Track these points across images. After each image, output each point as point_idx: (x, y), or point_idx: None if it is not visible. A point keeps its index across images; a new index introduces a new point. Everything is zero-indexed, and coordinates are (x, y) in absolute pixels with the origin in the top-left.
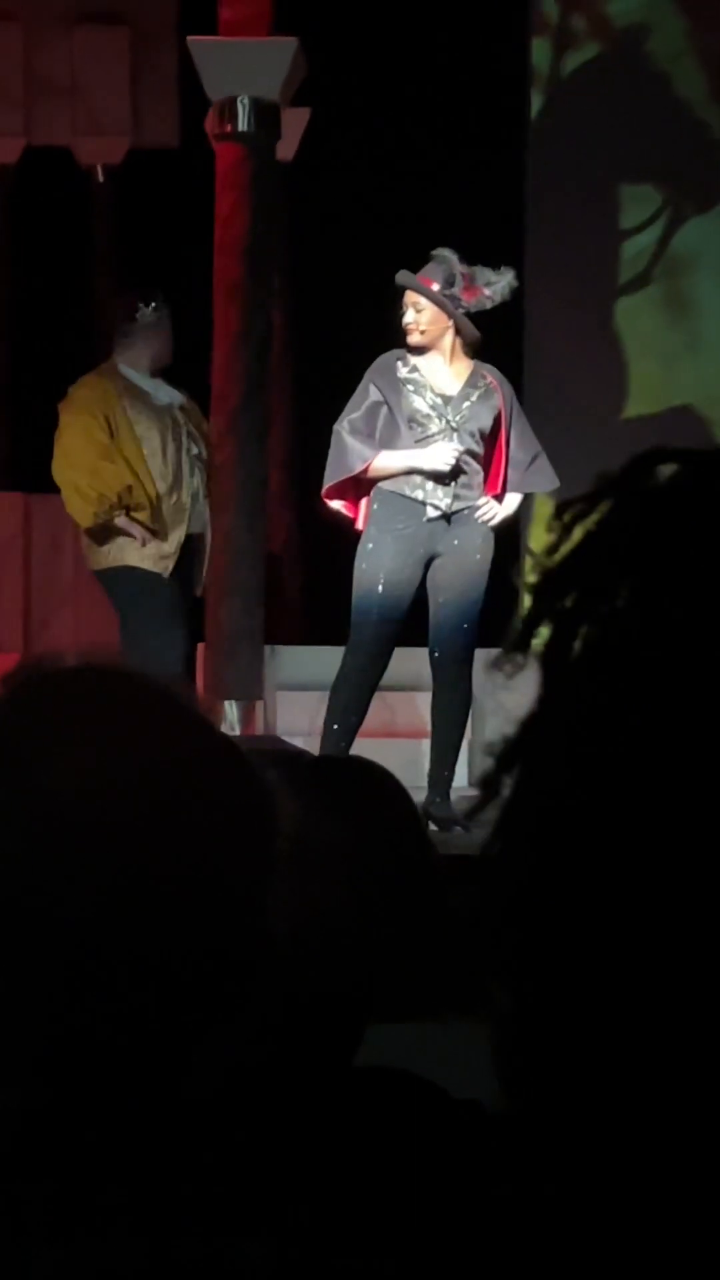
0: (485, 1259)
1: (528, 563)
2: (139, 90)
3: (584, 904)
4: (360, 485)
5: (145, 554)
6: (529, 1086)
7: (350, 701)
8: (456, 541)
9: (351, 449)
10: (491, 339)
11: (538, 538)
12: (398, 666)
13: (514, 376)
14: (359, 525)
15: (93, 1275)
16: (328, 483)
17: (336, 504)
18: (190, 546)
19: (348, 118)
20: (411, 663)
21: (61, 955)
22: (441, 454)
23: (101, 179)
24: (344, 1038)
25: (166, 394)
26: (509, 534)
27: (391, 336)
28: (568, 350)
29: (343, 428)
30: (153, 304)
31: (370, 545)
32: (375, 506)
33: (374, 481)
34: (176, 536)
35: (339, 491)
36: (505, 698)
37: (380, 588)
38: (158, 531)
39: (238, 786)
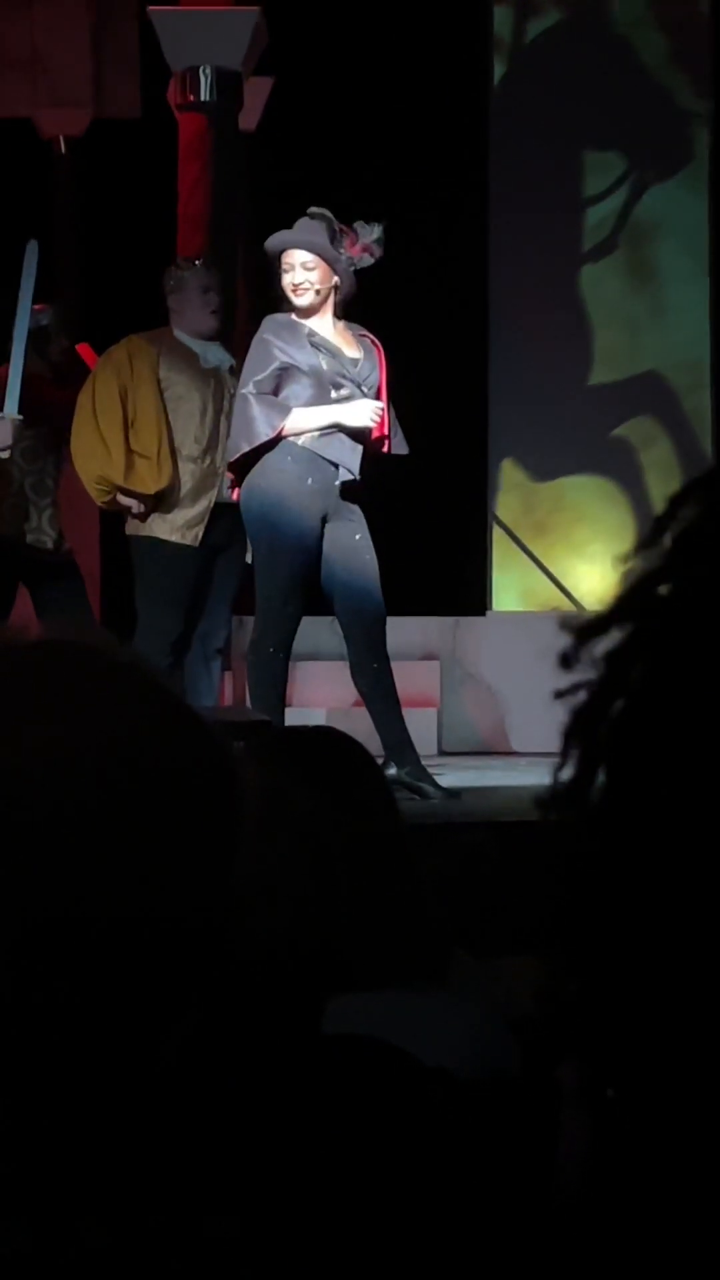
0: (457, 1225)
1: (495, 530)
2: (100, 61)
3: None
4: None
5: (173, 524)
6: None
7: (281, 673)
8: (348, 507)
9: (258, 416)
10: (455, 308)
11: (504, 505)
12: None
13: (479, 345)
14: (236, 495)
15: (58, 1253)
16: (237, 453)
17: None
18: (233, 513)
19: (311, 87)
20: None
21: (25, 929)
22: (364, 409)
23: (64, 150)
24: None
25: (216, 356)
26: (475, 501)
27: (361, 307)
28: (532, 318)
29: (249, 391)
30: (177, 268)
31: (278, 503)
32: (284, 462)
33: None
34: (206, 500)
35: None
36: (471, 665)
37: (295, 550)
38: (169, 494)
39: (201, 758)
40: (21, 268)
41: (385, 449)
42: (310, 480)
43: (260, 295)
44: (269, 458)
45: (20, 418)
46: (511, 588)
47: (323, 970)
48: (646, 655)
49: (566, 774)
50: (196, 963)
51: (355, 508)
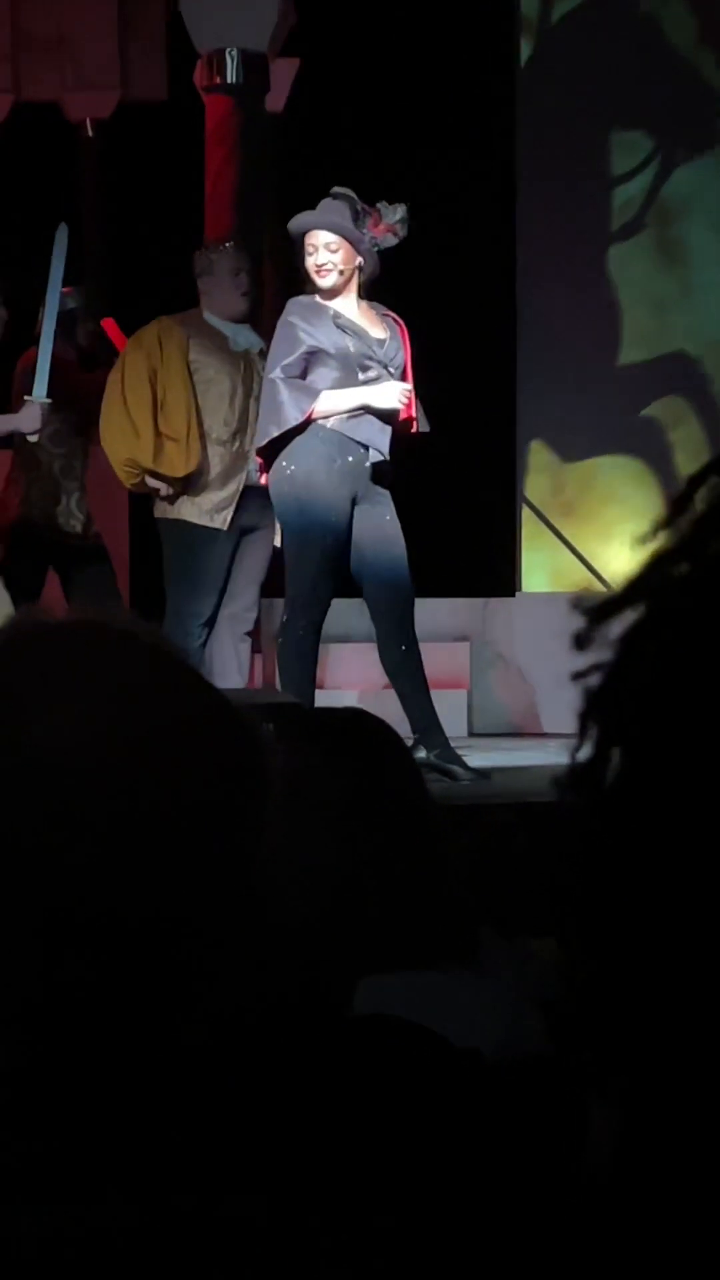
0: (485, 1209)
1: (524, 511)
2: (127, 44)
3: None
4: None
5: (201, 507)
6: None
7: (311, 655)
8: (377, 489)
9: (288, 401)
10: (483, 289)
11: (533, 486)
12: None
13: (507, 325)
14: (264, 480)
15: (83, 1234)
16: (266, 438)
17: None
18: (262, 496)
19: (337, 68)
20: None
21: (52, 910)
22: (393, 390)
23: (91, 133)
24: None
25: (246, 339)
26: (505, 482)
27: (388, 288)
28: (560, 298)
29: (277, 375)
30: (207, 250)
31: (308, 485)
32: (315, 443)
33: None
34: (235, 483)
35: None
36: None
37: (324, 532)
38: (197, 477)
39: (227, 738)
40: (51, 251)
41: (414, 429)
42: (340, 462)
43: (287, 277)
44: (298, 441)
45: (49, 401)
46: (541, 568)
47: (351, 951)
48: (662, 635)
49: (583, 755)
50: (222, 942)
51: (384, 490)
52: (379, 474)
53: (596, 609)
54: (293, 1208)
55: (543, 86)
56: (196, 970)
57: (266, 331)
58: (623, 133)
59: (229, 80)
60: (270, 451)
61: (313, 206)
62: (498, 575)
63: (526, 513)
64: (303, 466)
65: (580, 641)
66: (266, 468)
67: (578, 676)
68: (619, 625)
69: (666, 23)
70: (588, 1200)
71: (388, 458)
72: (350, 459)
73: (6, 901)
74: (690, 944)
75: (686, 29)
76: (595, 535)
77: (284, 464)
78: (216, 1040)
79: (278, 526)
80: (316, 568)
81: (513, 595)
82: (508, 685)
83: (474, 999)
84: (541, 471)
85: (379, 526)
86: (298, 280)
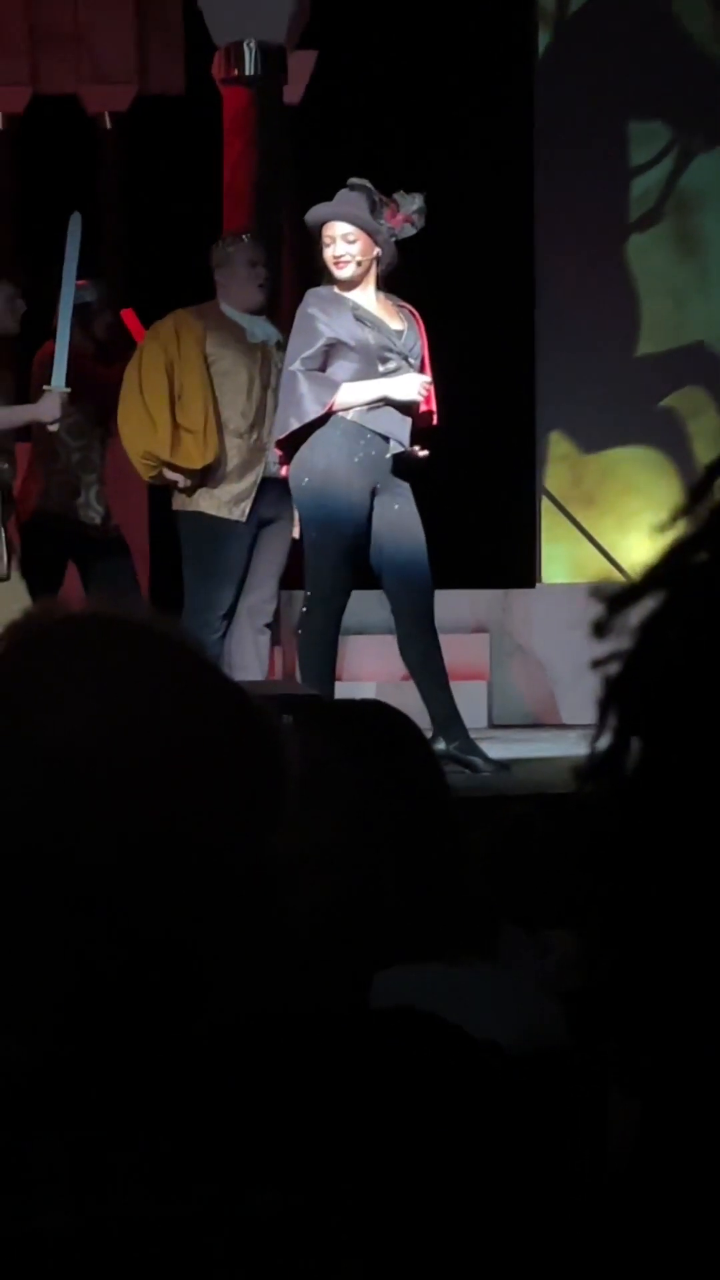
0: (506, 1201)
1: (544, 502)
2: (145, 37)
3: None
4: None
5: (219, 499)
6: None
7: (331, 647)
8: (395, 482)
9: (307, 394)
10: (501, 280)
11: (553, 477)
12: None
13: (525, 316)
14: (285, 472)
15: (106, 1225)
16: (285, 430)
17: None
18: (280, 488)
19: (354, 59)
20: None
21: (71, 904)
22: (412, 382)
23: (109, 126)
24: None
25: (263, 331)
26: (524, 473)
27: (406, 279)
28: (578, 289)
29: (297, 369)
30: (223, 242)
31: (328, 478)
32: (335, 435)
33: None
34: (253, 475)
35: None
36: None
37: (347, 523)
38: (215, 469)
39: (243, 732)
40: (65, 241)
41: (434, 422)
42: (360, 454)
43: (304, 269)
44: (319, 433)
45: (68, 390)
46: (561, 560)
47: (370, 943)
48: (681, 622)
49: (602, 744)
50: (239, 935)
51: (404, 483)
52: (400, 467)
53: (615, 597)
54: (312, 1201)
55: (560, 77)
56: (214, 964)
57: (283, 323)
58: (640, 123)
59: (246, 72)
60: (290, 444)
61: (330, 198)
62: (517, 566)
63: (546, 504)
64: (323, 459)
65: (600, 629)
66: (287, 460)
67: (597, 664)
68: (638, 614)
69: (684, 13)
70: (607, 1191)
71: (408, 449)
72: (371, 451)
73: (22, 897)
74: (711, 931)
75: (704, 18)
76: (615, 526)
77: (305, 456)
78: (235, 1033)
79: (296, 518)
80: (336, 560)
81: (532, 586)
82: (527, 676)
83: (493, 991)
84: (561, 462)
85: (398, 518)
86: (315, 272)
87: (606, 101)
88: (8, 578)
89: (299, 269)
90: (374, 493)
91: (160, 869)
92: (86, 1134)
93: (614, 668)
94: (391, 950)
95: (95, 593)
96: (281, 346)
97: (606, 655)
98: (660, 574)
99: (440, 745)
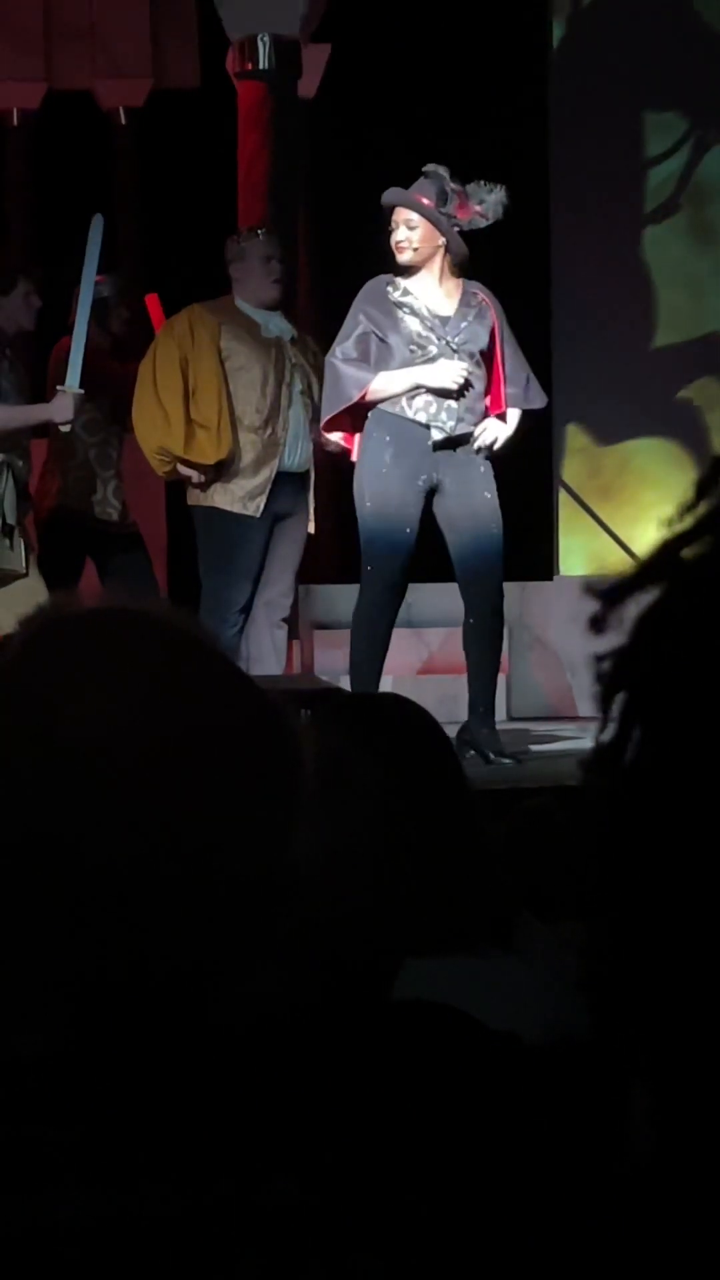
0: (525, 1194)
1: (561, 494)
2: (159, 31)
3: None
4: (357, 418)
5: (234, 495)
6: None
7: (376, 639)
8: (460, 479)
9: (346, 377)
10: (517, 271)
11: (570, 469)
12: (433, 602)
13: (541, 307)
14: (353, 456)
15: (120, 1219)
16: (326, 415)
17: (336, 437)
18: (295, 483)
19: (369, 52)
20: (445, 598)
21: (84, 897)
22: (448, 370)
23: (124, 121)
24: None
25: (278, 326)
26: (541, 466)
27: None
28: (595, 280)
29: (335, 357)
30: (239, 237)
31: (371, 472)
32: (374, 430)
33: (369, 410)
34: (268, 471)
35: (337, 424)
36: (539, 630)
37: (389, 519)
38: (229, 464)
39: (259, 728)
40: (86, 242)
41: (501, 409)
42: (396, 447)
43: (320, 264)
44: (362, 443)
45: (81, 391)
46: (578, 552)
47: (390, 936)
48: (676, 617)
49: (606, 737)
50: (256, 930)
51: (480, 468)
52: (465, 452)
53: (608, 591)
54: (329, 1194)
55: (575, 68)
56: (231, 958)
57: (299, 318)
58: (656, 114)
59: (261, 66)
60: (333, 427)
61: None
62: (535, 559)
63: (563, 496)
64: (365, 456)
65: (596, 624)
66: (325, 445)
67: (600, 658)
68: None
69: (699, 2)
70: (628, 1184)
71: (450, 433)
72: (411, 441)
73: (37, 892)
74: (711, 922)
75: (718, 8)
76: (632, 518)
77: (357, 475)
78: (255, 1026)
79: (311, 511)
80: (384, 554)
81: (550, 579)
82: (546, 669)
83: (512, 983)
84: (578, 454)
85: (468, 507)
86: (330, 267)
87: (621, 92)
88: (26, 574)
89: (314, 263)
90: (431, 484)
91: (174, 863)
92: (100, 1128)
93: (609, 662)
94: (411, 942)
95: (112, 588)
96: (296, 342)
97: (609, 650)
98: (653, 568)
99: (465, 734)
